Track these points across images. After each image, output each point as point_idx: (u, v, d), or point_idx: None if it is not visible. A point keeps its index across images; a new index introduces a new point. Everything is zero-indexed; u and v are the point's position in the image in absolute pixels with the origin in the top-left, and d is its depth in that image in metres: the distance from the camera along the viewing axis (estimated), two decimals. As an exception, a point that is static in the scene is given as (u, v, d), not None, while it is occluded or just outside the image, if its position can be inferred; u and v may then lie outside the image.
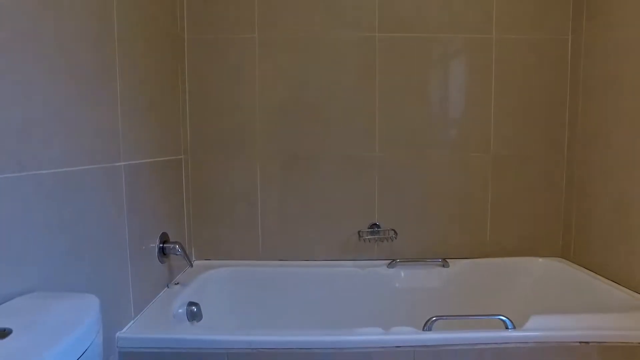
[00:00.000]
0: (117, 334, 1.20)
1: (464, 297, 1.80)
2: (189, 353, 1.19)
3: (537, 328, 1.23)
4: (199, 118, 1.84)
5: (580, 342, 1.20)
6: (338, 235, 1.90)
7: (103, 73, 1.15)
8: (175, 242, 1.56)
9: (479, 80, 1.84)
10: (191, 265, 1.75)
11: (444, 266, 1.84)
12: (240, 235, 1.90)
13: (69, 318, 0.71)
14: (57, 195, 0.95)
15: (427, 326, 1.27)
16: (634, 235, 1.47)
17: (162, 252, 1.53)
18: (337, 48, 1.82)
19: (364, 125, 1.84)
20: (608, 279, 1.58)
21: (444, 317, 1.32)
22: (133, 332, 1.24)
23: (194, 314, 1.48)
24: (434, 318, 1.28)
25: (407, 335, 1.22)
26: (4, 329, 0.64)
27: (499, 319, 1.27)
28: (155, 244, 1.49)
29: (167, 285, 1.58)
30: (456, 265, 1.85)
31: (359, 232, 1.89)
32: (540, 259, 1.86)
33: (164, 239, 1.55)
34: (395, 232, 1.88)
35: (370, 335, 1.22)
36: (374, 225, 1.89)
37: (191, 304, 1.49)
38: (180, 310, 1.44)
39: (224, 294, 1.76)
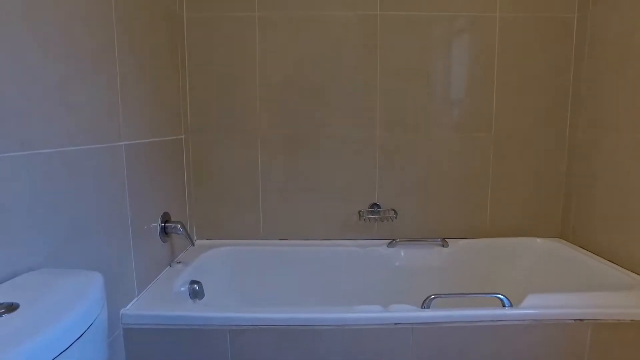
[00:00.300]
0: (122, 311, 1.23)
1: (463, 276, 1.83)
2: (192, 329, 1.22)
3: (534, 306, 1.25)
4: (199, 97, 1.83)
5: (575, 320, 1.22)
6: (338, 214, 1.91)
7: (102, 53, 1.14)
8: (177, 222, 1.58)
9: (481, 60, 1.82)
10: (193, 245, 1.78)
11: (443, 246, 1.86)
12: (241, 214, 1.91)
13: (74, 293, 0.73)
14: (59, 175, 0.96)
15: (426, 304, 1.29)
16: (633, 217, 1.48)
17: (164, 231, 1.54)
18: (338, 26, 1.80)
19: (365, 104, 1.84)
20: (606, 259, 1.60)
21: (443, 296, 1.34)
22: (137, 309, 1.26)
23: (196, 292, 1.50)
24: (433, 296, 1.30)
25: (406, 312, 1.24)
26: (12, 304, 0.66)
27: (497, 297, 1.29)
28: (157, 224, 1.51)
29: (170, 264, 1.61)
30: (456, 245, 1.87)
31: (359, 212, 1.90)
32: (539, 239, 1.88)
33: (166, 218, 1.57)
34: (395, 212, 1.89)
35: (369, 313, 1.24)
36: (374, 205, 1.90)
37: (193, 282, 1.51)
38: (182, 289, 1.47)
39: (226, 273, 1.78)
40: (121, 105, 1.24)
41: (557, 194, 1.91)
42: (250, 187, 1.89)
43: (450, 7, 1.79)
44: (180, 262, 1.63)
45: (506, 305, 1.27)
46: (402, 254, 1.86)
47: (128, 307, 1.26)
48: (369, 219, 1.91)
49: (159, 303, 1.30)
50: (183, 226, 1.57)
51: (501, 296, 1.28)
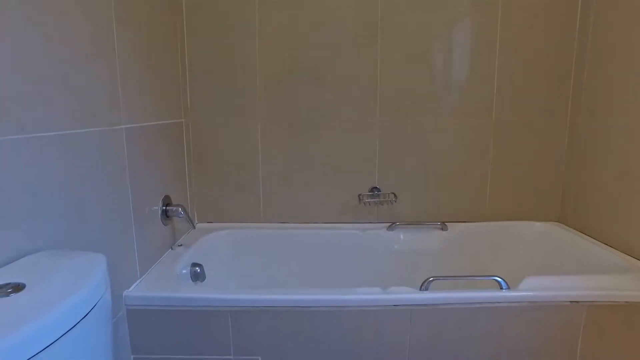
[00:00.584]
0: (125, 293, 1.24)
1: (462, 259, 1.85)
2: (194, 311, 1.24)
3: (530, 288, 1.27)
4: (199, 81, 1.82)
5: (570, 302, 1.24)
6: (338, 198, 1.92)
7: (100, 36, 1.14)
8: (178, 205, 1.59)
9: (483, 43, 1.80)
10: (194, 228, 1.79)
11: (442, 229, 1.88)
12: (241, 198, 1.92)
13: (79, 273, 0.74)
14: (60, 158, 0.96)
15: (425, 286, 1.30)
16: (631, 202, 1.49)
17: (165, 214, 1.55)
18: (339, 9, 1.78)
19: (365, 88, 1.83)
20: (604, 243, 1.62)
21: (441, 278, 1.36)
22: (139, 290, 1.28)
23: (197, 274, 1.52)
24: (431, 278, 1.32)
25: (405, 294, 1.26)
26: (18, 284, 0.67)
27: (494, 279, 1.30)
28: (158, 207, 1.52)
29: (171, 247, 1.62)
30: (455, 228, 1.88)
31: (359, 195, 1.91)
32: (537, 223, 1.89)
33: (167, 201, 1.58)
34: (395, 196, 1.90)
35: (369, 295, 1.26)
36: (374, 188, 1.91)
37: (195, 264, 1.53)
38: (184, 271, 1.49)
39: (227, 256, 1.80)
40: (121, 88, 1.24)
41: (556, 179, 1.91)
42: (250, 171, 1.90)
43: (452, -11, 1.77)
44: (181, 245, 1.65)
45: (503, 287, 1.29)
46: (402, 237, 1.88)
47: (131, 288, 1.28)
48: (368, 202, 1.92)
49: (161, 285, 1.32)
50: (184, 209, 1.58)
51: (499, 279, 1.30)
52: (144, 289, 1.29)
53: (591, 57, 1.71)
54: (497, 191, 1.92)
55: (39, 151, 0.89)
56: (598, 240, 1.65)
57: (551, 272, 1.60)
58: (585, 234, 1.73)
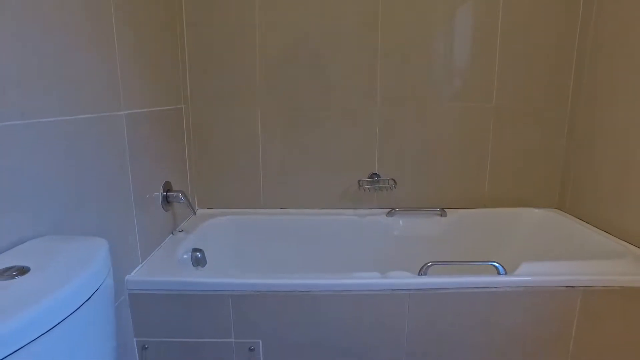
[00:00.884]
0: (127, 277, 1.26)
1: (461, 245, 1.86)
2: (195, 295, 1.26)
3: (527, 273, 1.29)
4: (198, 67, 1.81)
5: (566, 287, 1.26)
6: (338, 184, 1.93)
7: (99, 21, 1.13)
8: (179, 191, 1.60)
9: (484, 30, 1.79)
10: (194, 213, 1.80)
11: (441, 215, 1.89)
12: (241, 184, 1.93)
13: (82, 257, 0.75)
14: (61, 144, 0.97)
15: (423, 271, 1.32)
16: (629, 190, 1.50)
17: (166, 200, 1.56)
18: (339, -6, 1.76)
19: (365, 74, 1.82)
20: (601, 229, 1.63)
21: (439, 263, 1.38)
22: (141, 275, 1.29)
23: (198, 259, 1.53)
24: (430, 263, 1.34)
25: (403, 279, 1.27)
26: (23, 267, 0.69)
27: (492, 265, 1.32)
28: (159, 193, 1.53)
29: (172, 233, 1.64)
30: (454, 214, 1.90)
31: (359, 181, 1.92)
32: (536, 210, 1.90)
33: (167, 187, 1.58)
34: (394, 182, 1.91)
35: (367, 279, 1.27)
36: (374, 175, 1.91)
37: (195, 250, 1.55)
38: (185, 256, 1.50)
39: (227, 241, 1.82)
40: (120, 74, 1.24)
41: (555, 166, 1.92)
42: (250, 157, 1.90)
43: (453, -27, 1.75)
44: (182, 231, 1.66)
45: (501, 272, 1.30)
46: (401, 223, 1.89)
47: (132, 273, 1.30)
48: (368, 188, 1.93)
49: (163, 270, 1.34)
50: (184, 195, 1.59)
51: (496, 264, 1.31)
52: (146, 274, 1.30)
53: (593, 45, 1.70)
54: (496, 178, 1.93)
55: (39, 137, 0.89)
56: (596, 227, 1.66)
57: (549, 258, 1.62)
58: (583, 221, 1.74)
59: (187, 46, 1.80)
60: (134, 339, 1.29)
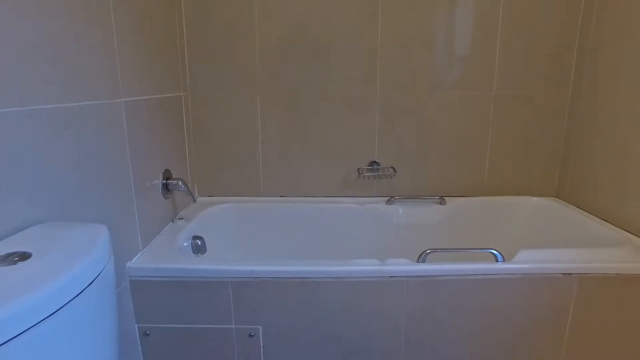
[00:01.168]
0: (127, 264, 1.27)
1: (460, 233, 1.87)
2: (196, 281, 1.27)
3: (525, 261, 1.29)
4: (197, 55, 1.80)
5: (563, 274, 1.27)
6: (338, 172, 1.93)
7: (97, 8, 1.12)
8: (178, 179, 1.60)
9: (485, 18, 1.77)
10: (194, 201, 1.81)
11: (441, 203, 1.90)
12: (241, 172, 1.93)
13: (83, 243, 0.76)
14: (60, 131, 0.97)
15: (421, 258, 1.33)
16: (627, 178, 1.50)
17: (166, 187, 1.57)
18: (339, -21, 1.74)
19: (365, 62, 1.81)
20: (600, 217, 1.64)
21: (438, 250, 1.38)
22: (141, 262, 1.30)
23: (198, 247, 1.54)
24: (428, 251, 1.34)
25: (402, 266, 1.28)
26: (24, 253, 0.69)
27: (490, 252, 1.33)
28: (159, 180, 1.53)
29: (172, 220, 1.64)
30: (453, 202, 1.90)
31: (358, 169, 1.92)
32: (535, 198, 1.91)
33: (167, 175, 1.59)
34: (394, 170, 1.91)
35: (367, 266, 1.28)
36: (374, 163, 1.92)
37: (196, 237, 1.55)
38: (185, 244, 1.51)
39: (227, 229, 1.83)
40: (119, 62, 1.23)
41: (555, 155, 1.92)
42: (250, 145, 1.90)
43: (455, -41, 1.73)
44: (182, 218, 1.67)
45: (499, 260, 1.31)
46: (400, 211, 1.90)
47: (133, 260, 1.30)
48: (368, 176, 1.93)
49: (163, 257, 1.34)
50: (184, 183, 1.60)
51: (494, 251, 1.32)
52: (146, 261, 1.31)
53: (594, 35, 1.69)
54: (496, 166, 1.93)
55: (39, 124, 0.89)
56: (594, 215, 1.67)
57: (547, 245, 1.63)
58: (581, 209, 1.75)
59: (187, 33, 1.78)
60: (135, 325, 1.31)
